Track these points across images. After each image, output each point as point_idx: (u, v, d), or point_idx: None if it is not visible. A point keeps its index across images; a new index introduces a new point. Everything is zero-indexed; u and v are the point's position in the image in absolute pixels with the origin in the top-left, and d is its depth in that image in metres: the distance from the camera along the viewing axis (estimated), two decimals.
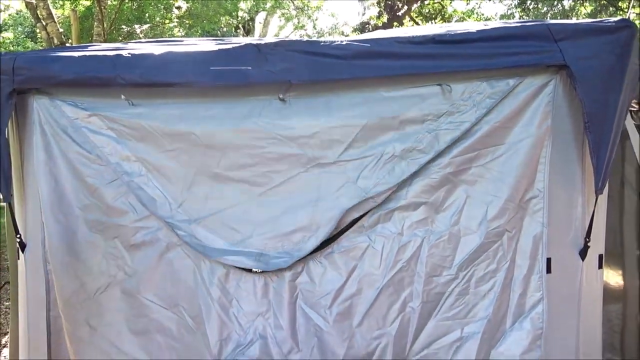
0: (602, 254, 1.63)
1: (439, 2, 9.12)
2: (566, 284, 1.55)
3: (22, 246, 1.85)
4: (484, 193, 1.46)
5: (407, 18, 8.79)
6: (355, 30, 10.33)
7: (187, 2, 8.86)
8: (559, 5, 8.84)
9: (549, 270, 1.50)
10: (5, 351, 4.12)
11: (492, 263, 1.46)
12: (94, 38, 6.60)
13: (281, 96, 1.48)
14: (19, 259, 1.93)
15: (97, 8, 6.28)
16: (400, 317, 1.47)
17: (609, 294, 2.00)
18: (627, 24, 1.41)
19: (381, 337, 1.47)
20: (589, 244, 1.53)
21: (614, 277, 2.41)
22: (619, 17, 1.55)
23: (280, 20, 12.74)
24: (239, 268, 1.49)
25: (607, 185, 1.53)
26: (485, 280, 1.46)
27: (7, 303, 5.16)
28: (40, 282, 1.74)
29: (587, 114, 1.42)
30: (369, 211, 1.47)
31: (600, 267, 1.62)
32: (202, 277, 1.53)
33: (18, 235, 1.85)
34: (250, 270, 1.49)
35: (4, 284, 2.38)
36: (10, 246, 2.09)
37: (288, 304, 1.49)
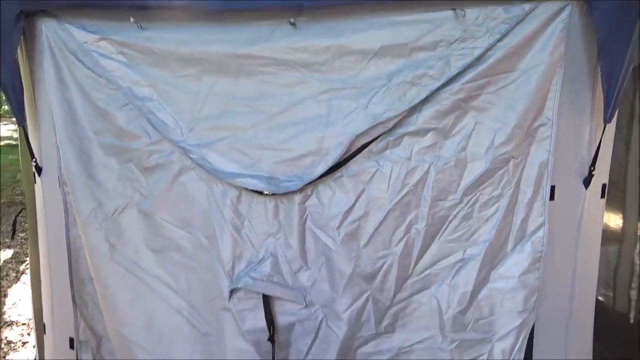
0: (605, 184, 1.66)
1: None
2: (568, 211, 1.59)
3: (39, 170, 1.90)
4: (493, 120, 1.47)
5: None
6: None
7: None
8: None
9: (552, 198, 1.53)
10: (24, 277, 4.32)
11: (497, 189, 1.49)
12: None
13: (292, 20, 1.46)
14: (35, 183, 1.99)
15: None
16: (405, 239, 1.52)
17: (607, 235, 2.06)
18: None
19: (386, 257, 1.54)
20: (593, 173, 1.55)
21: (614, 220, 2.46)
22: None
23: None
24: (251, 190, 1.53)
25: (615, 115, 1.54)
26: (489, 205, 1.50)
27: (22, 234, 5.35)
28: (58, 204, 1.80)
29: (601, 41, 1.40)
30: (378, 137, 1.49)
31: (602, 196, 1.66)
32: (215, 199, 1.58)
33: (34, 160, 1.89)
34: (261, 193, 1.53)
35: (21, 210, 2.45)
36: (26, 171, 2.15)
37: (298, 225, 1.55)
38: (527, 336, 1.59)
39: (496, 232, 1.51)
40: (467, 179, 1.48)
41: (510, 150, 1.48)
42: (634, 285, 2.54)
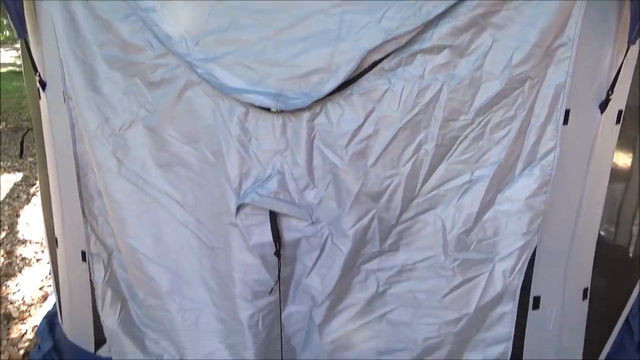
0: (622, 110, 1.62)
1: None
2: (581, 136, 1.56)
3: (43, 85, 1.87)
4: (512, 38, 1.40)
5: None
6: None
7: None
8: None
9: (565, 122, 1.50)
10: (35, 199, 4.41)
11: (510, 110, 1.46)
12: None
13: None
14: (40, 99, 1.97)
15: None
16: (413, 159, 1.51)
17: (615, 173, 2.03)
18: None
19: (394, 176, 1.53)
20: (610, 97, 1.51)
21: (623, 159, 2.43)
22: None
23: None
24: (258, 107, 1.50)
25: None
26: (501, 127, 1.47)
27: (31, 159, 5.39)
28: (64, 119, 1.79)
29: None
30: (390, 53, 1.43)
31: (617, 122, 1.62)
32: (221, 115, 1.55)
33: (37, 74, 1.86)
34: (268, 110, 1.51)
35: (27, 130, 2.45)
36: (30, 87, 2.12)
37: (305, 143, 1.53)
38: (528, 258, 1.61)
39: (506, 155, 1.49)
40: (481, 99, 1.44)
41: (527, 70, 1.42)
42: (636, 221, 2.56)
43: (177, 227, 1.72)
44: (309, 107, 1.49)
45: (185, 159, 1.65)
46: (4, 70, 10.89)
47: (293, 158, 1.55)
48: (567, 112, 1.49)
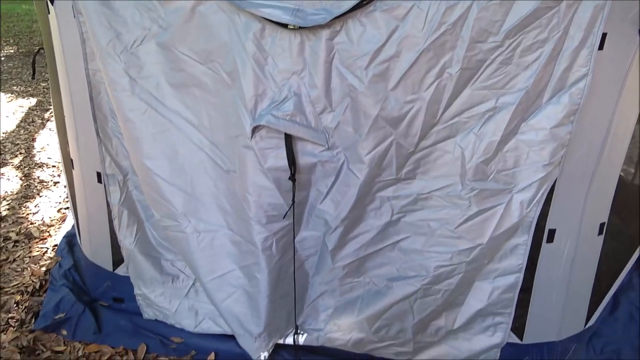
0: None
1: None
2: (616, 62, 1.47)
3: None
4: None
5: None
6: None
7: None
8: None
9: (601, 47, 1.41)
10: (50, 124, 4.42)
11: (544, 32, 1.36)
12: None
13: None
14: (49, 13, 1.90)
15: None
16: (436, 83, 1.44)
17: None
18: None
19: (414, 101, 1.47)
20: None
21: None
22: None
23: None
24: (275, 23, 1.43)
25: None
26: (532, 50, 1.38)
27: (44, 84, 5.36)
28: (74, 36, 1.73)
29: None
30: None
31: None
32: (236, 31, 1.48)
33: None
34: (286, 27, 1.43)
35: (38, 50, 2.40)
36: (39, 4, 2.04)
37: (324, 63, 1.47)
38: (547, 190, 1.58)
39: (535, 81, 1.41)
40: (512, 18, 1.34)
41: None
42: None
43: (192, 149, 1.71)
44: (328, 24, 1.41)
45: (200, 79, 1.61)
46: None
47: (310, 79, 1.50)
48: (603, 36, 1.40)
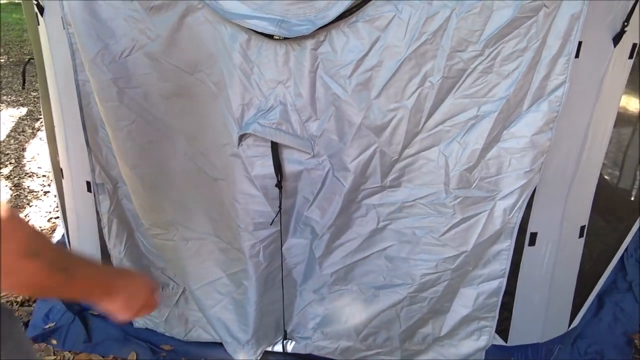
0: (636, 43, 1.56)
1: None
2: (592, 70, 1.51)
3: (41, 10, 1.83)
4: None
5: None
6: None
7: None
8: None
9: (577, 55, 1.45)
10: (40, 134, 4.43)
11: (522, 41, 1.40)
12: None
13: None
14: (39, 24, 1.92)
15: None
16: (418, 92, 1.47)
17: (623, 117, 1.99)
18: None
19: (397, 109, 1.50)
20: (625, 29, 1.45)
21: (634, 104, 2.37)
22: None
23: None
24: (261, 34, 1.46)
25: None
26: (511, 59, 1.42)
27: (35, 93, 5.36)
28: (64, 47, 1.75)
29: None
30: None
31: (631, 57, 1.57)
32: (223, 42, 1.51)
33: (35, 1, 1.81)
34: (271, 37, 1.46)
35: (28, 60, 2.41)
36: (29, 15, 2.06)
37: (309, 73, 1.50)
38: (529, 196, 1.61)
39: (515, 89, 1.45)
40: (491, 28, 1.38)
41: None
42: None
43: (180, 158, 1.73)
44: (312, 35, 1.44)
45: (188, 89, 1.63)
46: (4, 1, 10.61)
47: (296, 88, 1.52)
48: (579, 45, 1.44)
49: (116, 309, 0.91)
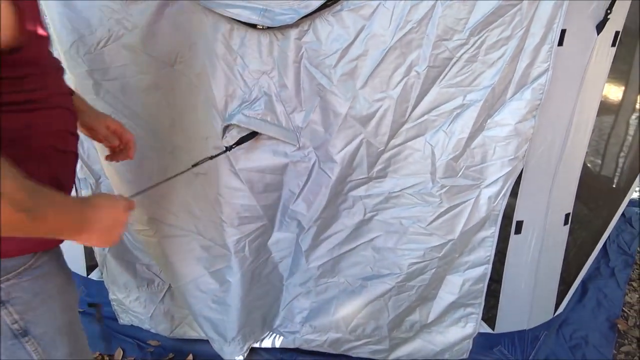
0: (619, 31, 1.57)
1: None
2: (575, 57, 1.52)
3: None
4: None
5: None
6: None
7: None
8: None
9: (560, 43, 1.45)
10: None
11: (507, 29, 1.39)
12: None
13: None
14: None
15: None
16: (404, 81, 1.46)
17: (605, 105, 2.01)
18: None
19: (383, 99, 1.49)
20: (609, 17, 1.46)
21: (615, 93, 2.40)
22: None
23: None
24: (244, 23, 1.42)
25: None
26: (496, 48, 1.41)
27: None
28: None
29: None
30: None
31: (613, 45, 1.58)
32: (204, 32, 1.47)
33: None
34: (255, 27, 1.43)
35: None
36: None
37: (293, 63, 1.47)
38: (513, 183, 1.62)
39: (500, 78, 1.44)
40: (477, 16, 1.36)
41: None
42: (622, 153, 2.58)
43: (159, 153, 1.68)
44: (296, 24, 1.41)
45: (168, 81, 1.58)
46: None
47: (280, 79, 1.50)
48: (562, 33, 1.44)
49: (94, 242, 0.95)
